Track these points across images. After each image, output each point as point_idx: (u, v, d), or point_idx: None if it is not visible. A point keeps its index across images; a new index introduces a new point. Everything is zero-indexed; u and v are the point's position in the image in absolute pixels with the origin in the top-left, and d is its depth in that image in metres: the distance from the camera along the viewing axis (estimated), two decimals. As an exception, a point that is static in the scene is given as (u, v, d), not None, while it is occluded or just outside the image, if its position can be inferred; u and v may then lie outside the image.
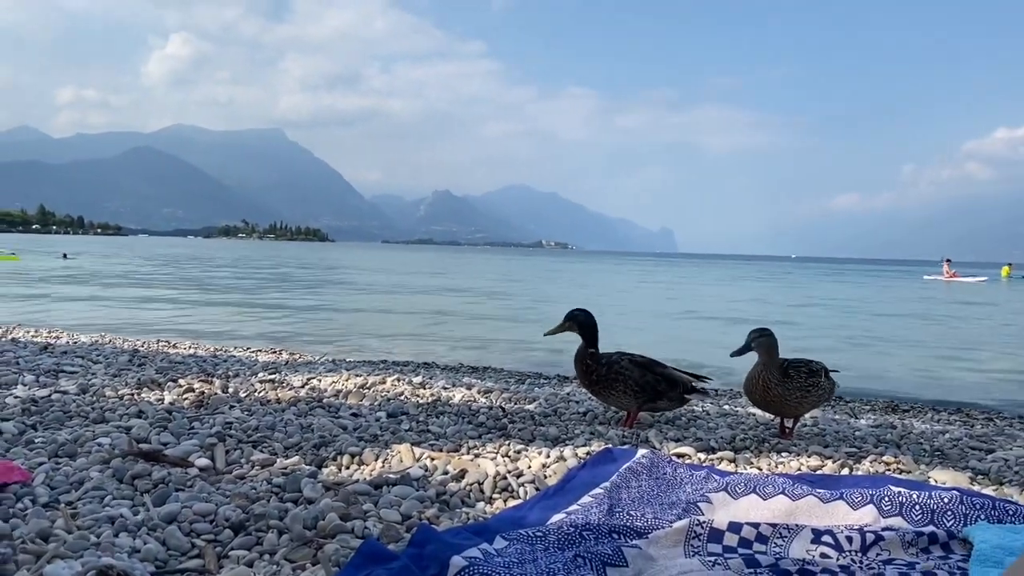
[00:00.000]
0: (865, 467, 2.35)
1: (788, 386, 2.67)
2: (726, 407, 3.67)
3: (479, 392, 3.54)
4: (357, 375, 3.86)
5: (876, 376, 7.33)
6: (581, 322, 2.94)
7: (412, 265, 44.05)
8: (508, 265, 50.01)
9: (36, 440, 2.07)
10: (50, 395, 2.64)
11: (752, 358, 2.76)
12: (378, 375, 3.97)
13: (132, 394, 2.82)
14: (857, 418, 3.73)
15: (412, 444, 2.28)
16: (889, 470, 2.34)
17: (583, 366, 2.91)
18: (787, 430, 2.87)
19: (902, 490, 1.75)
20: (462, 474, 2.02)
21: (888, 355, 9.16)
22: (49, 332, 6.74)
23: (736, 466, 2.31)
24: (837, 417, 3.60)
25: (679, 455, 2.39)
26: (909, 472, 2.32)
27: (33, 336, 6.13)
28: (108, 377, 3.15)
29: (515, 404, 3.27)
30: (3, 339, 5.38)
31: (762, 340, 2.70)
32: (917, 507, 1.68)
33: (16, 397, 2.56)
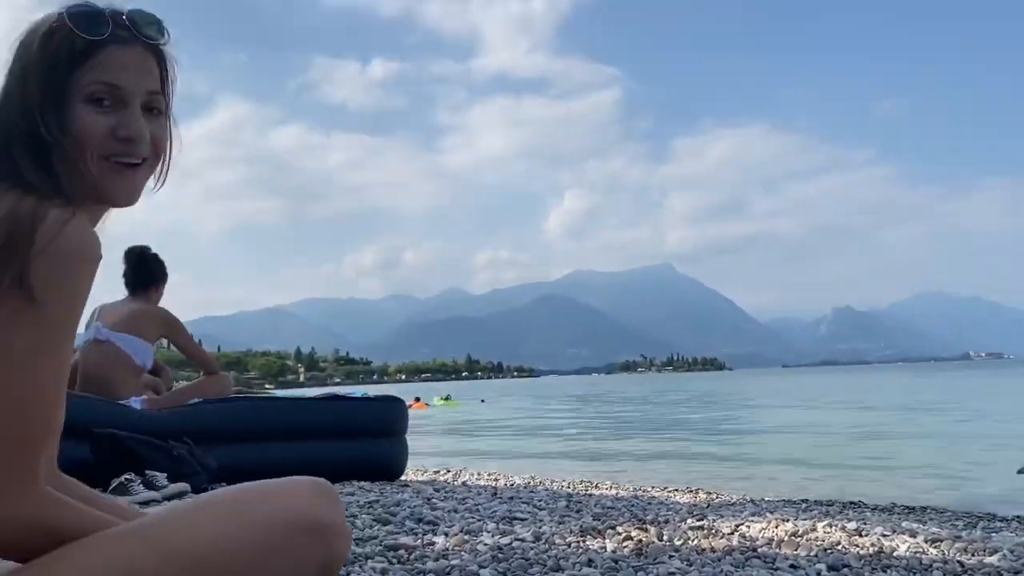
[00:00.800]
0: None
1: None
2: None
3: (927, 541, 3.21)
4: (784, 519, 3.73)
5: None
6: None
7: (816, 389, 41.70)
8: (929, 383, 44.96)
9: (508, 587, 2.33)
10: (511, 542, 2.96)
11: None
12: (806, 519, 3.80)
13: (578, 541, 3.04)
14: None
15: (864, 604, 2.14)
16: None
17: None
18: None
19: None
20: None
21: None
22: (489, 475, 7.54)
23: None
24: None
25: None
26: None
27: (478, 479, 6.91)
28: (554, 524, 3.44)
29: (972, 556, 2.91)
30: (457, 483, 6.14)
31: None
32: None
33: (485, 544, 2.91)
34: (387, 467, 5.30)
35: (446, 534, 3.10)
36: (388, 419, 5.45)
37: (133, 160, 1.08)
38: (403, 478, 5.56)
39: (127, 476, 3.88)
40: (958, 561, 2.78)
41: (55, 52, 1.03)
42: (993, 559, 2.84)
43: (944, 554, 2.95)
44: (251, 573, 1.02)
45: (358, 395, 5.72)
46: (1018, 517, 5.11)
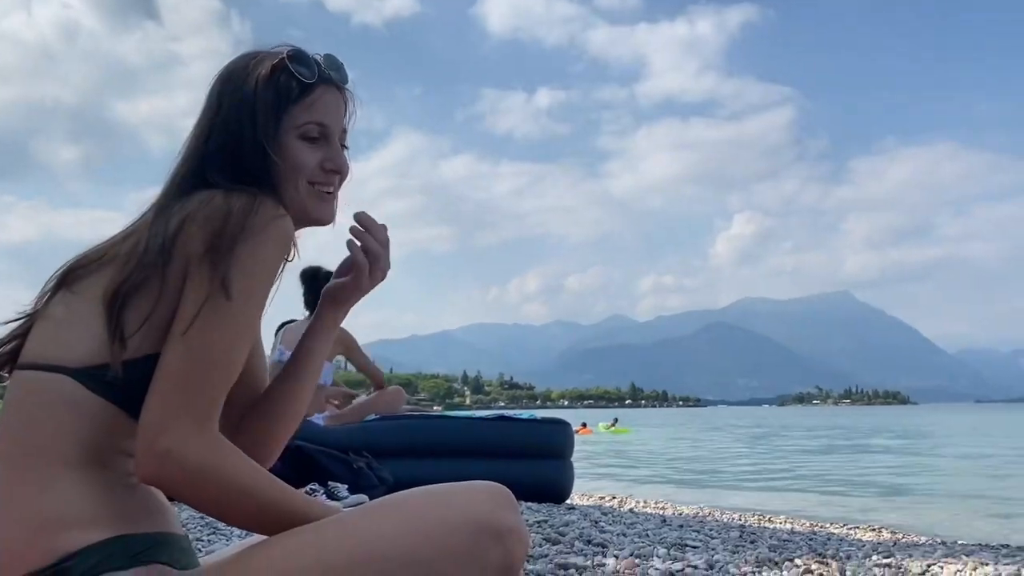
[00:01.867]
0: None
1: None
2: None
3: None
4: (983, 563, 3.43)
5: None
6: None
7: (1013, 426, 38.07)
8: None
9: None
10: (683, 569, 2.90)
11: None
12: (1009, 564, 3.48)
13: (753, 572, 2.93)
14: None
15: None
16: None
17: None
18: None
19: None
20: None
21: None
22: (656, 503, 7.41)
23: None
24: None
25: None
26: None
27: (644, 507, 6.81)
28: (727, 553, 3.34)
29: None
30: (623, 508, 6.08)
31: None
32: None
33: (656, 569, 2.87)
34: (554, 489, 5.32)
35: (616, 556, 3.08)
36: (555, 441, 5.49)
37: (333, 189, 1.26)
38: (569, 501, 5.57)
39: (311, 486, 4.13)
40: None
41: (280, 88, 1.19)
42: None
43: None
44: (434, 573, 1.06)
45: (525, 417, 5.80)
46: None
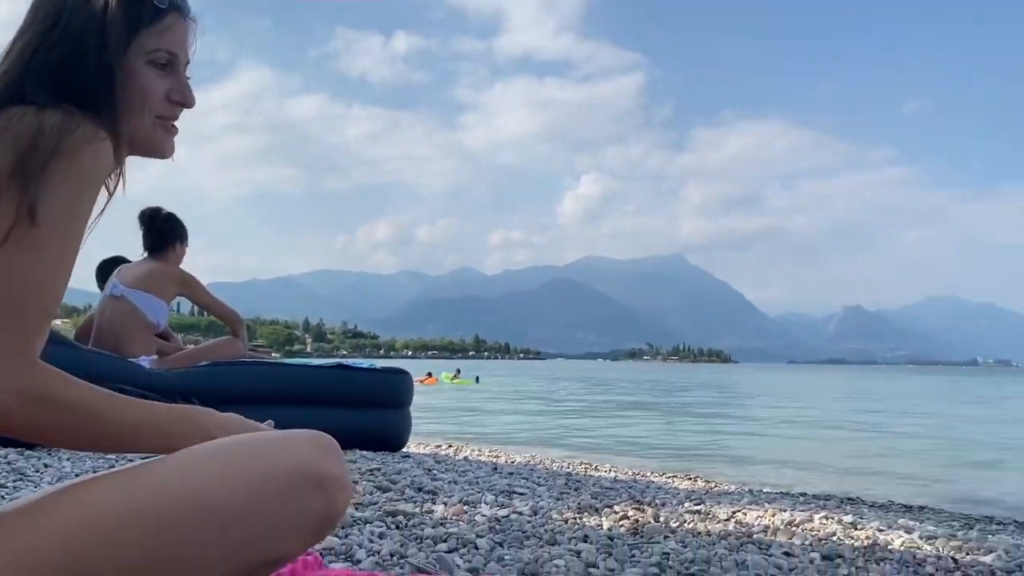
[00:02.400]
0: None
1: None
2: None
3: (922, 537, 3.23)
4: (781, 509, 3.76)
5: None
6: None
7: (823, 387, 41.66)
8: (935, 386, 44.86)
9: (505, 557, 2.36)
10: (508, 515, 2.99)
11: None
12: (803, 511, 3.83)
13: (575, 518, 3.07)
14: None
15: (855, 593, 2.16)
16: None
17: None
18: None
19: None
20: (917, 633, 1.87)
21: None
22: (491, 451, 7.59)
23: None
24: None
25: None
26: None
27: (479, 455, 6.96)
28: (552, 499, 3.48)
29: (967, 555, 2.92)
30: (458, 457, 6.18)
31: None
32: None
33: (483, 515, 2.94)
34: (390, 438, 5.34)
35: (445, 503, 3.14)
36: (393, 390, 5.49)
37: (176, 121, 1.23)
38: (405, 450, 5.61)
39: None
40: (952, 558, 2.80)
41: (133, 11, 1.13)
42: (988, 558, 2.85)
43: (938, 551, 2.96)
44: (251, 520, 1.04)
45: (364, 366, 5.76)
46: (1016, 521, 5.12)
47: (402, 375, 5.63)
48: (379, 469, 3.96)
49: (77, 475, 3.09)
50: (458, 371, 35.20)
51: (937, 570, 2.56)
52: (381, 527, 2.63)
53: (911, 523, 3.88)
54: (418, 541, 2.49)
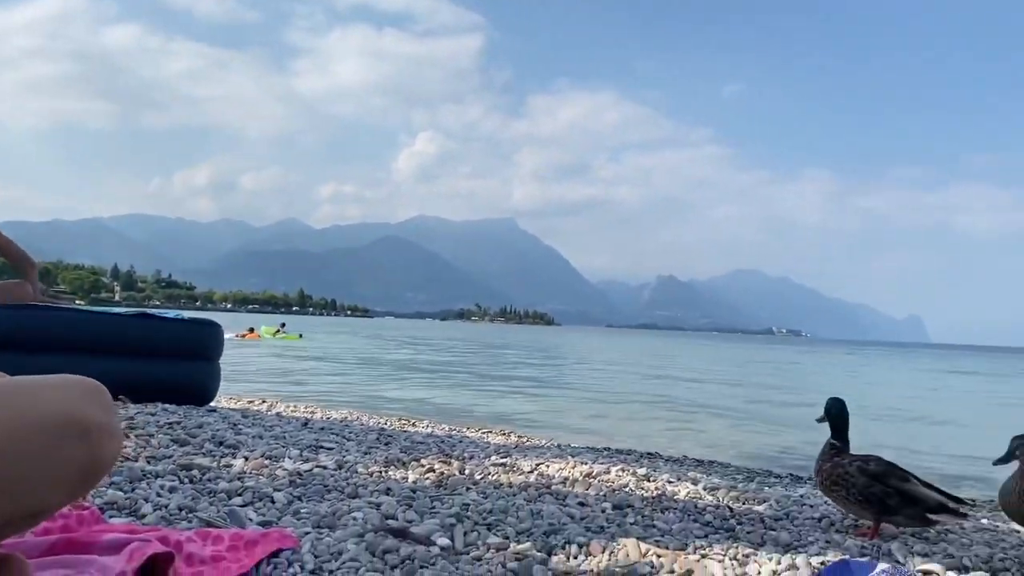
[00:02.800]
0: None
1: None
2: (984, 521, 3.33)
3: (705, 488, 3.48)
4: (583, 463, 3.93)
5: None
6: (831, 411, 2.82)
7: (635, 350, 43.86)
8: (734, 353, 48.40)
9: (302, 511, 2.32)
10: (312, 469, 2.94)
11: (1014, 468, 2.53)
12: (603, 464, 4.01)
13: (380, 471, 3.07)
14: None
15: (638, 538, 2.30)
16: None
17: (819, 461, 2.80)
18: None
19: None
20: (688, 574, 2.01)
21: None
22: (306, 408, 7.44)
23: (994, 590, 2.11)
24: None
25: (925, 572, 2.22)
26: None
27: (293, 411, 6.80)
28: (359, 454, 3.46)
29: (743, 504, 3.18)
30: (270, 413, 6.01)
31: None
32: None
33: (284, 470, 2.88)
34: (195, 391, 5.11)
35: (246, 458, 3.04)
36: (199, 342, 5.25)
37: None
38: (213, 404, 5.39)
39: None
40: (728, 507, 3.03)
41: None
42: (760, 507, 3.11)
43: (718, 500, 3.21)
44: (8, 468, 0.97)
45: (171, 316, 5.46)
46: (791, 474, 5.63)
47: (211, 326, 5.38)
48: (179, 423, 3.78)
49: None
50: (282, 325, 33.97)
51: (715, 518, 2.76)
52: (173, 481, 2.51)
53: (699, 476, 4.18)
54: (211, 495, 2.40)
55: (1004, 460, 2.50)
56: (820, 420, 2.86)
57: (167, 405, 4.59)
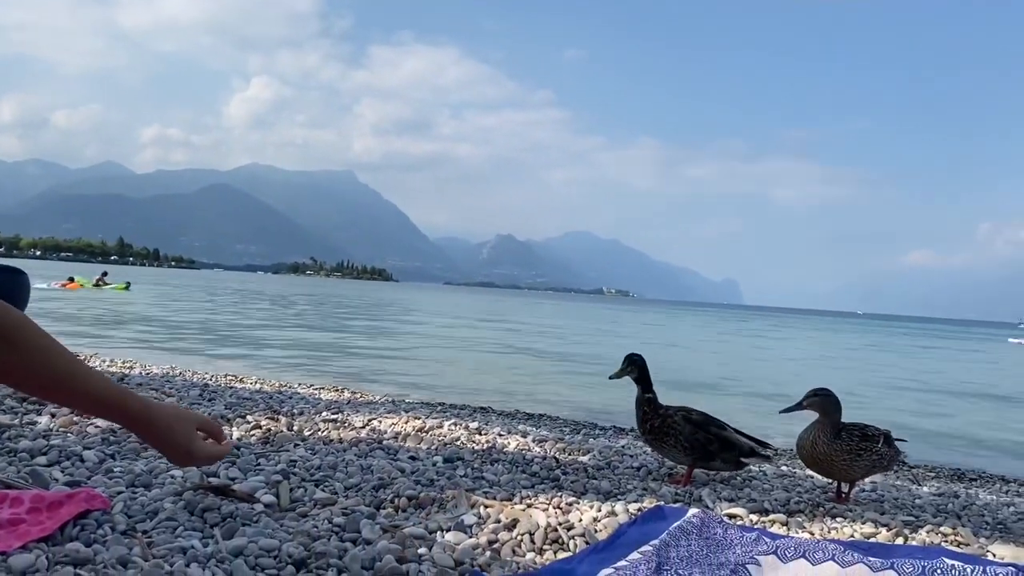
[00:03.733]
0: (921, 537, 2.31)
1: (837, 447, 2.64)
2: (783, 468, 3.64)
3: (533, 441, 3.59)
4: (416, 418, 3.94)
5: (945, 442, 7.13)
6: (639, 365, 2.95)
7: (473, 308, 44.34)
8: (567, 311, 49.99)
9: (115, 469, 2.19)
10: (128, 426, 2.78)
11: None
12: (436, 419, 4.05)
13: (203, 428, 2.95)
14: (920, 485, 3.66)
15: (467, 490, 2.34)
16: (946, 542, 2.30)
17: (640, 413, 2.94)
18: (843, 495, 2.84)
19: (956, 563, 1.73)
20: (514, 523, 2.07)
21: (964, 420, 8.88)
22: (123, 363, 7.02)
23: (788, 529, 2.31)
24: (898, 483, 3.54)
25: (731, 516, 2.40)
26: (967, 545, 2.28)
27: (109, 366, 6.40)
28: (181, 410, 3.30)
29: (569, 455, 3.30)
30: (83, 368, 5.62)
31: (815, 399, 2.70)
32: (970, 582, 1.66)
33: (96, 427, 2.71)
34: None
35: (53, 415, 2.83)
36: (2, 292, 4.81)
37: None
38: (15, 358, 4.97)
39: None
40: (555, 457, 3.14)
41: None
42: (584, 458, 3.25)
43: (545, 452, 3.31)
44: None
45: (-34, 261, 4.96)
46: (615, 426, 5.91)
47: (15, 274, 4.95)
48: (-25, 378, 3.46)
49: None
50: (104, 275, 31.49)
51: (542, 468, 2.85)
52: (-35, 441, 2.30)
53: (528, 429, 4.30)
54: (11, 455, 2.22)
55: (792, 409, 2.74)
56: (617, 376, 3.00)
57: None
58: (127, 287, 29.91)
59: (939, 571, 1.70)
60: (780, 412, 2.81)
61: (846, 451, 2.65)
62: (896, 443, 2.82)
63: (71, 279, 28.50)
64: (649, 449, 3.39)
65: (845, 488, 2.88)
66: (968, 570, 1.70)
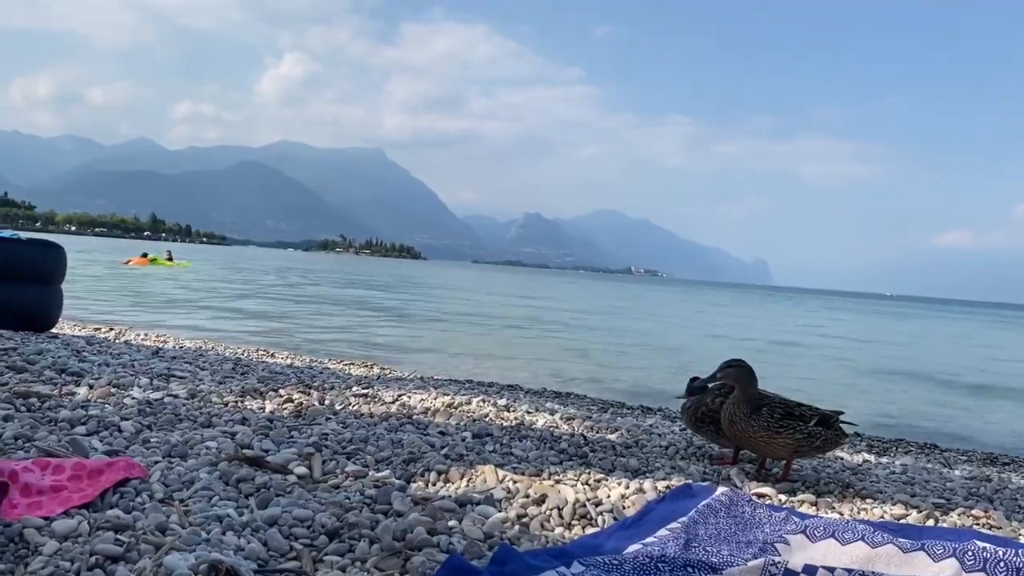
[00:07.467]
0: (952, 520, 2.30)
1: (753, 423, 2.55)
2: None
3: (562, 418, 3.60)
4: (445, 394, 3.97)
5: (980, 426, 7.05)
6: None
7: (502, 286, 44.39)
8: (596, 290, 49.88)
9: (151, 440, 2.24)
10: (163, 398, 2.84)
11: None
12: (465, 395, 4.07)
13: (236, 401, 2.99)
14: (951, 468, 3.62)
15: (496, 466, 2.36)
16: (977, 524, 2.29)
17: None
18: (764, 469, 2.75)
19: (988, 546, 1.72)
20: (542, 499, 2.08)
21: (1002, 404, 8.78)
22: (158, 336, 7.13)
23: (817, 510, 2.30)
24: (929, 466, 3.51)
25: (759, 495, 2.40)
26: (999, 528, 2.26)
27: (144, 339, 6.51)
28: (214, 384, 3.35)
29: (597, 433, 3.31)
30: (118, 341, 5.73)
31: (729, 371, 2.62)
32: (1002, 564, 1.65)
33: (133, 398, 2.76)
34: (33, 316, 4.80)
35: (91, 386, 2.89)
36: (38, 265, 4.91)
37: None
38: (56, 330, 5.08)
39: None
40: (583, 435, 3.15)
41: None
42: (612, 436, 3.26)
43: (573, 429, 3.33)
44: None
45: (5, 235, 5.06)
46: (642, 406, 5.91)
47: (52, 248, 5.05)
48: (15, 349, 3.54)
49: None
50: (169, 253, 32.58)
51: (570, 445, 2.87)
52: (8, 409, 2.36)
53: (556, 407, 4.32)
54: (51, 424, 2.27)
55: (707, 381, 2.71)
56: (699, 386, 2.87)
57: (2, 331, 4.29)
58: (188, 263, 30.96)
59: (970, 552, 1.69)
60: (694, 383, 2.79)
61: (763, 427, 2.55)
62: (844, 426, 2.70)
63: (144, 255, 29.39)
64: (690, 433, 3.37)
65: (772, 464, 2.77)
66: (1000, 552, 1.69)
